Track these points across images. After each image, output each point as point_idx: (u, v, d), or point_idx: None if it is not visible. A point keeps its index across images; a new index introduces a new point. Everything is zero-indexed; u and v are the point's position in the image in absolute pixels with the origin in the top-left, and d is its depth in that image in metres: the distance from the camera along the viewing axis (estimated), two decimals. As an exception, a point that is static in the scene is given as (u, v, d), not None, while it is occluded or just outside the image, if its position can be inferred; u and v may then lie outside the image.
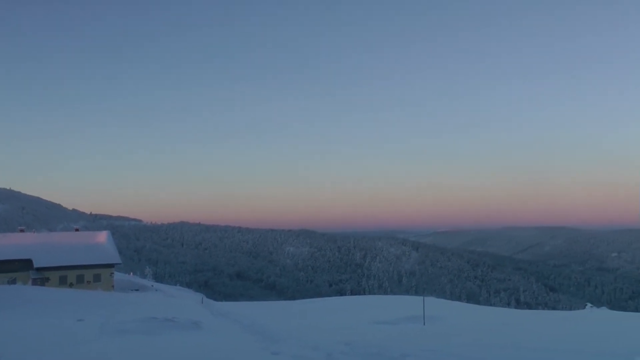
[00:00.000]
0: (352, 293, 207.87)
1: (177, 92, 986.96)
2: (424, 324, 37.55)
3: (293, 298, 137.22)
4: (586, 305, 66.05)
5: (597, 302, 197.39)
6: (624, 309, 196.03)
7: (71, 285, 70.40)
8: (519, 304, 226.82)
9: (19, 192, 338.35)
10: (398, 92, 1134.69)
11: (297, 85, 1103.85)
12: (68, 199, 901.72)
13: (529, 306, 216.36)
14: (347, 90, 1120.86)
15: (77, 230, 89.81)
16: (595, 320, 40.59)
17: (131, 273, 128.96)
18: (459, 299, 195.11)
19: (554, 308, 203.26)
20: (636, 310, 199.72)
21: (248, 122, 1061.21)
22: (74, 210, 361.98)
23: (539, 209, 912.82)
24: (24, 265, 69.27)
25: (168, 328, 27.55)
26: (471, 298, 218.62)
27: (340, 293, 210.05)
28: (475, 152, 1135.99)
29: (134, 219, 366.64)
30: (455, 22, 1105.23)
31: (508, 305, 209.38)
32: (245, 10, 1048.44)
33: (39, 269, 69.28)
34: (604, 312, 52.22)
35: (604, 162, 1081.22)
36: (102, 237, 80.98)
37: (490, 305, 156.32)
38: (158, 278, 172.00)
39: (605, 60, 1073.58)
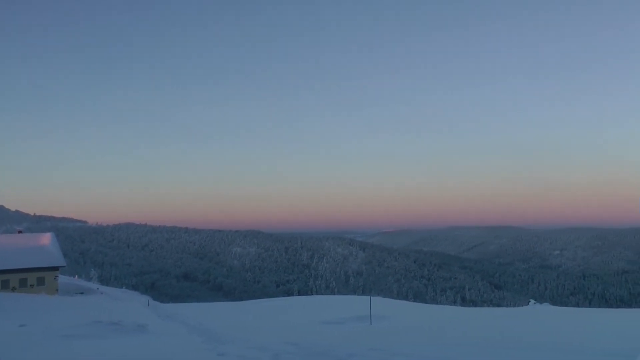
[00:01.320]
0: (300, 293, 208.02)
1: (123, 93, 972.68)
2: (371, 323, 37.91)
3: (240, 299, 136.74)
4: (529, 301, 67.64)
5: (540, 299, 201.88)
6: (566, 304, 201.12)
7: (14, 289, 68.92)
8: (464, 302, 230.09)
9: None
10: (347, 93, 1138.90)
11: (246, 87, 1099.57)
12: (11, 200, 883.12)
13: (474, 304, 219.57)
14: (294, 92, 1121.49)
15: (20, 232, 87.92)
16: (537, 315, 41.63)
17: (76, 276, 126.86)
18: (405, 298, 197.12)
19: (498, 305, 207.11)
20: (577, 305, 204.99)
21: (194, 123, 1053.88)
22: (17, 211, 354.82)
23: (484, 209, 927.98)
24: (-36, 269, 67.58)
25: (113, 332, 27.32)
26: (418, 297, 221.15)
27: (288, 293, 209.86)
28: (420, 153, 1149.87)
29: (79, 220, 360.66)
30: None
31: (454, 303, 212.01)
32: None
33: (-21, 273, 67.71)
34: (547, 308, 53.57)
35: (546, 163, 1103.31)
36: (46, 239, 79.41)
37: (437, 303, 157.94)
38: (104, 281, 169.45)
39: (557, 60, 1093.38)
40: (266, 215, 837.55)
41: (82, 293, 79.74)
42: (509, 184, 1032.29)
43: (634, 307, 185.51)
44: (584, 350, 20.02)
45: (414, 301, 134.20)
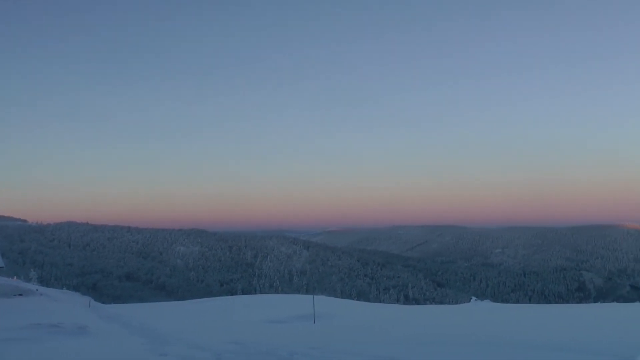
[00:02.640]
0: (243, 292, 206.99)
1: (69, 90, 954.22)
2: (314, 322, 38.07)
3: (183, 298, 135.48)
4: (471, 298, 69.14)
5: (482, 296, 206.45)
6: (506, 301, 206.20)
7: (-52, 291, 67.31)
8: (407, 300, 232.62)
9: None
10: (295, 91, 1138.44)
11: (195, 84, 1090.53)
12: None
13: (417, 301, 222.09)
14: (238, 88, 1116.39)
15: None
16: (479, 312, 42.51)
17: (15, 277, 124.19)
18: (349, 297, 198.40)
19: (441, 302, 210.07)
20: (517, 301, 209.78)
21: (138, 121, 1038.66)
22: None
23: (427, 208, 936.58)
24: None
25: (53, 334, 26.85)
26: (361, 296, 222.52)
27: (231, 292, 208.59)
28: (363, 152, 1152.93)
29: (18, 219, 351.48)
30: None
31: (397, 301, 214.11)
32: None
33: None
34: (488, 305, 54.81)
35: (486, 163, 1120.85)
36: (-17, 239, 77.78)
37: (380, 302, 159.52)
38: (44, 281, 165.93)
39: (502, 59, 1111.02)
40: (210, 214, 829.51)
41: (20, 295, 78.13)
42: (450, 183, 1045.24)
43: (571, 303, 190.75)
44: (525, 345, 20.57)
45: (358, 300, 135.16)
